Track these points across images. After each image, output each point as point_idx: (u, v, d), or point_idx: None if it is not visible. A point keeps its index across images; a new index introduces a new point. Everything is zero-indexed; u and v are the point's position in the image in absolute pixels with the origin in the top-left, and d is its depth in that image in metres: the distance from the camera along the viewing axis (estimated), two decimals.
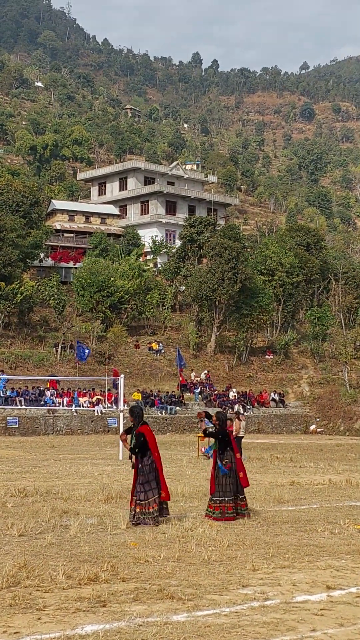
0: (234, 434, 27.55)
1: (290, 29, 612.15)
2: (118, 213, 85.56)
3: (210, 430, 13.11)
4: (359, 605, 7.03)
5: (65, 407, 45.29)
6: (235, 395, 52.38)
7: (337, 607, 6.95)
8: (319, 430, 52.38)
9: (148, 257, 74.39)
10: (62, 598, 7.12)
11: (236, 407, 49.91)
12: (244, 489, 12.61)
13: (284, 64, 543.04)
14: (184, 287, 63.97)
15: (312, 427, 52.70)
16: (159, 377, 54.12)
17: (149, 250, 75.26)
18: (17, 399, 44.52)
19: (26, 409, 43.82)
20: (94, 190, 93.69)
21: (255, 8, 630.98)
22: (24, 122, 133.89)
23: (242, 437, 27.44)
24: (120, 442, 25.99)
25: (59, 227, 77.29)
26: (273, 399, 54.57)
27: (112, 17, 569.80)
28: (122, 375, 29.68)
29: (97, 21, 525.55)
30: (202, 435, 13.60)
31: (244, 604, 7.00)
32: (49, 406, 44.99)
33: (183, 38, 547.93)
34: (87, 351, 49.41)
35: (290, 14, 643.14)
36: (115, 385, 49.05)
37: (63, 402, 46.05)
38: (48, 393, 45.96)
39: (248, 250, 67.87)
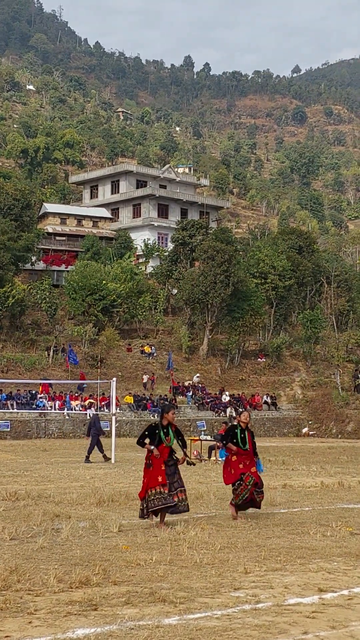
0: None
1: (291, 34, 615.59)
2: (110, 216, 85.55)
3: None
4: (351, 608, 7.02)
5: (57, 411, 45.20)
6: (227, 399, 52.39)
7: (329, 610, 6.94)
8: (311, 433, 52.43)
9: (140, 260, 74.37)
10: (54, 602, 7.09)
11: (228, 410, 50.04)
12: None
13: (283, 69, 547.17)
14: (176, 290, 63.97)
15: (305, 430, 52.75)
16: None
17: (141, 253, 75.25)
18: (8, 402, 44.43)
19: (18, 412, 43.74)
20: (86, 194, 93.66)
21: (255, 13, 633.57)
22: (15, 125, 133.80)
23: None
24: (114, 443, 26.06)
25: (50, 230, 77.21)
26: (265, 402, 54.60)
27: (112, 22, 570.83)
28: (115, 379, 29.64)
29: (96, 26, 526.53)
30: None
31: (235, 606, 6.98)
32: (41, 409, 44.92)
33: (183, 43, 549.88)
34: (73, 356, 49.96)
35: (290, 19, 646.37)
36: (81, 388, 49.03)
37: (55, 405, 45.99)
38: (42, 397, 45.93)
39: (240, 253, 67.95)
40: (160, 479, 11.50)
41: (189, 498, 15.17)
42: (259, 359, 61.06)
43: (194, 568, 8.62)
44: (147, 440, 11.80)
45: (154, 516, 11.71)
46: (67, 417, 45.42)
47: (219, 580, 8.02)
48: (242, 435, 12.83)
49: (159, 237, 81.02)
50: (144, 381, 52.58)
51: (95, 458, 26.53)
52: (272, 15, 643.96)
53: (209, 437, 30.26)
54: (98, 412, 31.58)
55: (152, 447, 11.65)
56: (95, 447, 26.45)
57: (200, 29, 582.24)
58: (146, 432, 11.93)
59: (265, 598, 7.31)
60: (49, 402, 46.16)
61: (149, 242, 75.87)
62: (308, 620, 6.59)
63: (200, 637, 6.00)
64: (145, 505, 11.56)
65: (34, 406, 45.12)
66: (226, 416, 47.86)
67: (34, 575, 8.08)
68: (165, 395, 51.25)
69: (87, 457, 25.89)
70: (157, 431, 11.83)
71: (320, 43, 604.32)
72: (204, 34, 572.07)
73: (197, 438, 31.12)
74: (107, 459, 26.08)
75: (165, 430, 11.84)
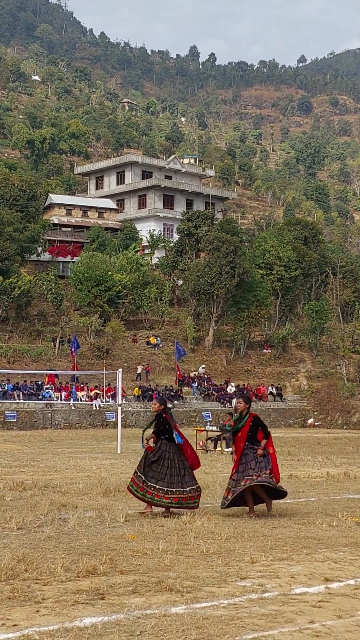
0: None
1: (297, 25, 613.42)
2: (115, 207, 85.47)
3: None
4: (357, 597, 7.03)
5: (63, 401, 45.31)
6: (233, 390, 52.42)
7: (335, 599, 6.95)
8: (316, 423, 52.46)
9: (146, 251, 74.32)
10: (61, 590, 7.12)
11: (234, 401, 50.12)
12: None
13: (289, 59, 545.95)
14: (181, 281, 63.95)
15: (310, 421, 52.77)
16: (157, 371, 54.16)
17: (147, 244, 75.19)
18: (15, 393, 44.53)
19: (24, 403, 43.85)
20: (92, 184, 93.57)
21: (262, 4, 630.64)
22: (21, 116, 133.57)
23: None
24: (119, 435, 26.09)
25: (56, 221, 77.21)
26: (271, 393, 54.63)
27: (118, 13, 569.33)
28: (120, 370, 29.68)
29: (101, 17, 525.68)
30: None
31: (242, 596, 7.00)
32: (47, 400, 45.02)
33: (189, 35, 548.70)
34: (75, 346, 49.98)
35: (297, 9, 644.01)
36: (75, 379, 49.06)
37: (61, 396, 46.09)
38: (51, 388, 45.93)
39: (246, 244, 67.88)
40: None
41: None
42: (265, 350, 61.05)
43: (200, 557, 8.65)
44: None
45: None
46: (73, 408, 45.52)
47: (225, 570, 8.04)
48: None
49: (164, 228, 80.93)
50: (138, 372, 52.28)
51: (101, 449, 26.52)
52: (278, 7, 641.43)
53: (214, 428, 30.28)
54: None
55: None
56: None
57: (206, 21, 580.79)
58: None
59: (272, 587, 7.33)
60: (55, 393, 46.26)
61: (154, 233, 75.80)
62: (314, 609, 6.61)
63: (207, 626, 6.03)
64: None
65: (40, 397, 45.23)
66: (232, 407, 47.89)
67: (41, 564, 8.11)
68: (171, 386, 51.33)
69: None
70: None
71: (327, 35, 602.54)
72: (210, 26, 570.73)
73: (203, 429, 31.16)
74: None
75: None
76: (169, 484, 11.58)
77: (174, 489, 11.57)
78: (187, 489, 11.67)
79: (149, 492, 11.59)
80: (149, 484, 11.60)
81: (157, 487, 11.55)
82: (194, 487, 11.78)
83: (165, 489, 11.54)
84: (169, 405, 28.61)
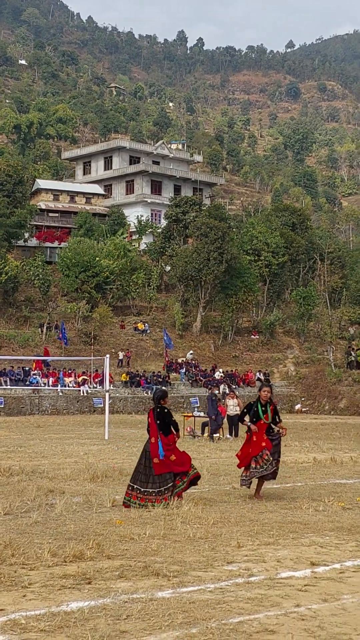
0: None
1: (290, 10, 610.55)
2: (103, 192, 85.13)
3: None
4: (343, 581, 7.08)
5: (50, 387, 45.24)
6: (221, 376, 52.49)
7: (321, 583, 6.99)
8: (304, 409, 52.63)
9: (133, 237, 74.11)
10: (48, 575, 7.13)
11: (222, 387, 50.16)
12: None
13: (277, 44, 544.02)
14: (169, 267, 63.86)
15: (297, 407, 52.94)
16: (144, 357, 54.15)
17: (135, 230, 74.99)
18: (2, 379, 44.43)
19: (11, 389, 43.77)
20: (79, 170, 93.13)
21: None
22: (7, 101, 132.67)
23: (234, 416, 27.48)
24: (107, 420, 26.12)
25: (43, 207, 76.80)
26: (258, 379, 54.70)
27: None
28: (108, 356, 29.64)
29: (90, 3, 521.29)
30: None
31: (228, 580, 7.03)
32: (35, 386, 44.96)
33: (181, 19, 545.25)
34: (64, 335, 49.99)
35: None
36: (47, 364, 49.05)
37: (48, 382, 46.02)
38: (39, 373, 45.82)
39: (234, 230, 67.80)
40: (264, 444, 12.15)
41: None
42: (252, 336, 61.13)
43: (187, 542, 8.67)
44: (246, 418, 12.50)
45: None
46: (60, 394, 45.47)
47: (212, 554, 8.07)
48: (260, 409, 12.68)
49: (152, 214, 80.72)
50: (120, 358, 52.11)
51: (88, 434, 26.45)
52: None
53: (202, 414, 30.37)
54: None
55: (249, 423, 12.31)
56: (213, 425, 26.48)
57: (198, 5, 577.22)
58: (244, 410, 12.69)
59: (258, 572, 7.36)
60: (43, 379, 46.19)
61: (142, 218, 75.57)
62: (300, 593, 6.64)
63: (194, 610, 6.05)
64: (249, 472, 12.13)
65: (27, 383, 45.16)
66: (219, 393, 47.95)
67: (28, 549, 8.11)
68: (159, 372, 51.35)
69: (211, 436, 25.95)
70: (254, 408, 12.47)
71: (319, 20, 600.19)
72: (202, 10, 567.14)
73: (191, 414, 31.25)
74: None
75: (263, 408, 12.39)
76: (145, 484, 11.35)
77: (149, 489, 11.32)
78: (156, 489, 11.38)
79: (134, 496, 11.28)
80: (135, 486, 11.37)
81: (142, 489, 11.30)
82: (160, 489, 11.36)
83: (142, 489, 11.30)
84: (216, 392, 29.05)
